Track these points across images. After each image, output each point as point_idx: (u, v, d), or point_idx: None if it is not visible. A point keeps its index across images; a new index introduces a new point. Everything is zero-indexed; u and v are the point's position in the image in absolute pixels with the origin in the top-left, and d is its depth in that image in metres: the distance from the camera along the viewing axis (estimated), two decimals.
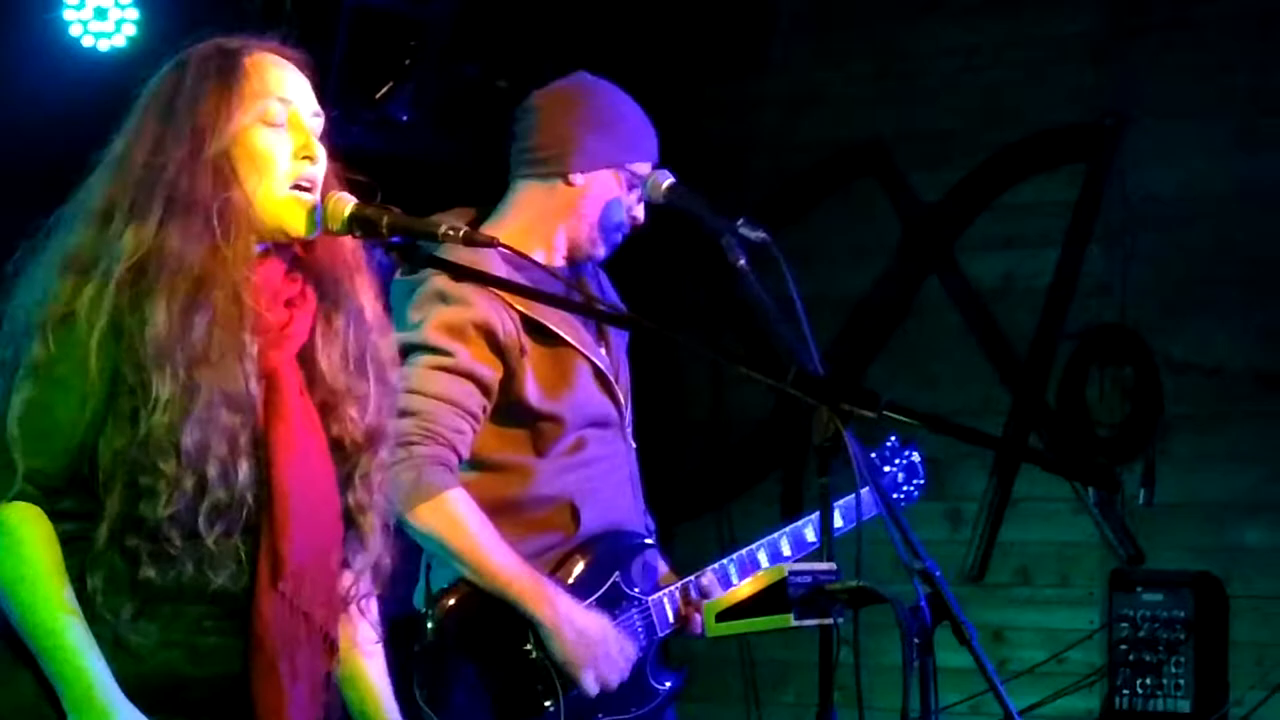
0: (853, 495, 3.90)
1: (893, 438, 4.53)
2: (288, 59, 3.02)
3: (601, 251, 4.09)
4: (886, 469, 4.50)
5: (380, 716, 3.12)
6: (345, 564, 3.03)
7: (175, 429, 2.80)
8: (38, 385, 2.82)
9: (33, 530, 2.80)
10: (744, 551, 4.14)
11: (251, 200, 2.92)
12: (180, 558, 2.82)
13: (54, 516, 2.83)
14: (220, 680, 2.90)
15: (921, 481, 4.55)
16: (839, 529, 3.97)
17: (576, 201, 4.04)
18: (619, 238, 4.09)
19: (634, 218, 4.08)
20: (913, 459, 4.56)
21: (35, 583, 2.79)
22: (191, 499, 2.81)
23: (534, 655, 3.87)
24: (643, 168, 4.07)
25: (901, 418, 2.89)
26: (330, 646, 3.00)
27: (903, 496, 4.50)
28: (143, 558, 2.81)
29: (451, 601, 3.88)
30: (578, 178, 4.03)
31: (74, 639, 2.78)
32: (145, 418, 2.80)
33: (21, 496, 2.81)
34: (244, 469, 2.85)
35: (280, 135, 2.96)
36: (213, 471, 2.82)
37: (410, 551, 3.72)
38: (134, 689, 2.81)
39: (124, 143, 2.94)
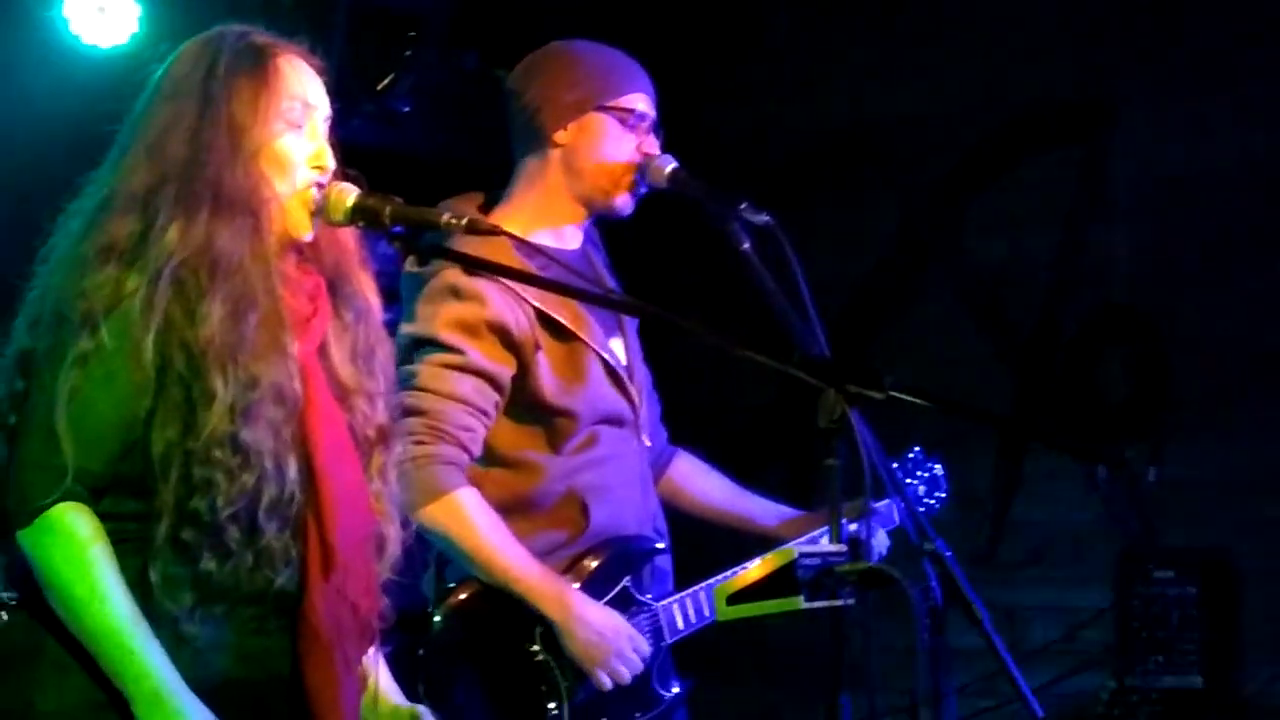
0: (885, 502, 3.91)
1: (916, 449, 4.46)
2: (312, 66, 3.04)
3: (621, 201, 4.00)
4: (909, 481, 4.42)
5: (382, 697, 3.13)
6: (378, 554, 3.04)
7: (235, 425, 2.81)
8: (87, 379, 2.81)
9: (86, 530, 2.80)
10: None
11: (278, 198, 2.93)
12: (239, 552, 2.83)
13: (106, 516, 2.82)
14: (266, 684, 2.92)
15: (944, 495, 4.48)
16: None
17: (570, 159, 3.98)
18: (637, 183, 3.99)
19: (645, 154, 3.98)
20: (935, 471, 4.49)
21: (93, 584, 2.79)
22: (251, 496, 2.82)
23: (540, 657, 3.85)
24: (630, 100, 3.99)
25: (909, 398, 2.88)
26: (370, 635, 3.02)
27: (923, 509, 4.41)
28: (201, 551, 2.82)
29: (460, 599, 3.87)
30: (560, 135, 3.97)
31: (137, 638, 2.78)
32: (202, 413, 2.81)
33: (70, 496, 2.80)
34: (293, 464, 2.86)
35: (300, 139, 2.97)
36: (268, 466, 2.83)
37: (420, 540, 3.72)
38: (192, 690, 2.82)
39: (156, 127, 2.93)
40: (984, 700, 5.83)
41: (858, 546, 2.84)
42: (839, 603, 2.83)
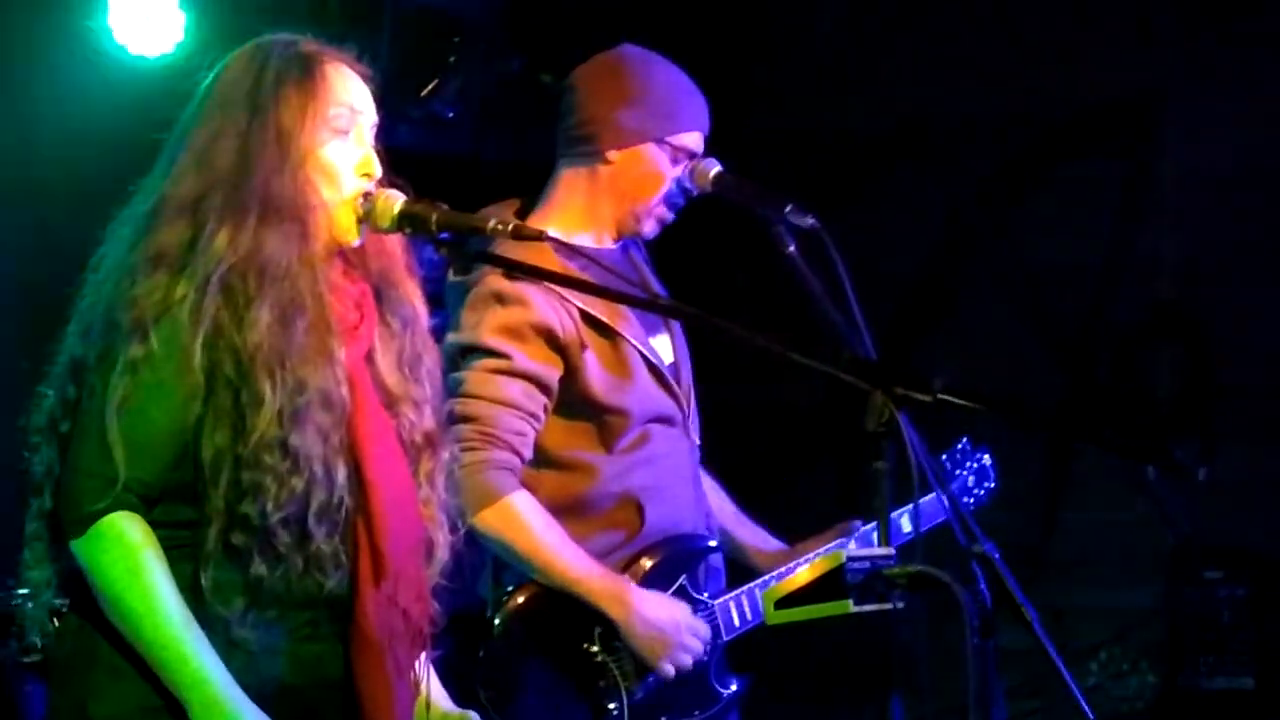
0: (931, 496, 3.89)
1: (964, 440, 4.45)
2: (358, 73, 3.05)
3: (649, 229, 4.03)
4: (958, 472, 4.42)
5: (433, 704, 3.13)
6: (428, 559, 3.06)
7: (283, 430, 2.82)
8: (138, 387, 2.82)
9: (138, 538, 2.81)
10: (809, 556, 4.09)
11: (325, 205, 2.94)
12: (289, 556, 2.84)
13: (158, 524, 2.83)
14: (319, 688, 2.92)
15: (992, 485, 4.47)
16: (907, 534, 3.94)
17: (616, 180, 3.99)
18: (669, 214, 4.02)
19: (686, 190, 4.01)
20: (983, 461, 4.48)
21: (147, 593, 2.80)
22: (300, 500, 2.83)
23: (599, 657, 3.87)
24: (687, 139, 4.00)
25: (957, 400, 2.87)
26: (421, 641, 3.03)
27: (972, 500, 4.41)
28: (252, 556, 2.83)
29: (518, 602, 3.88)
30: (613, 154, 3.98)
31: (192, 645, 2.79)
32: (251, 418, 2.82)
33: (122, 505, 2.81)
34: (341, 469, 2.87)
35: (346, 146, 2.98)
36: (317, 471, 2.84)
37: (471, 543, 3.72)
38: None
39: (205, 135, 2.94)
40: (1034, 701, 5.82)
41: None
42: (888, 606, 2.83)
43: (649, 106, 3.99)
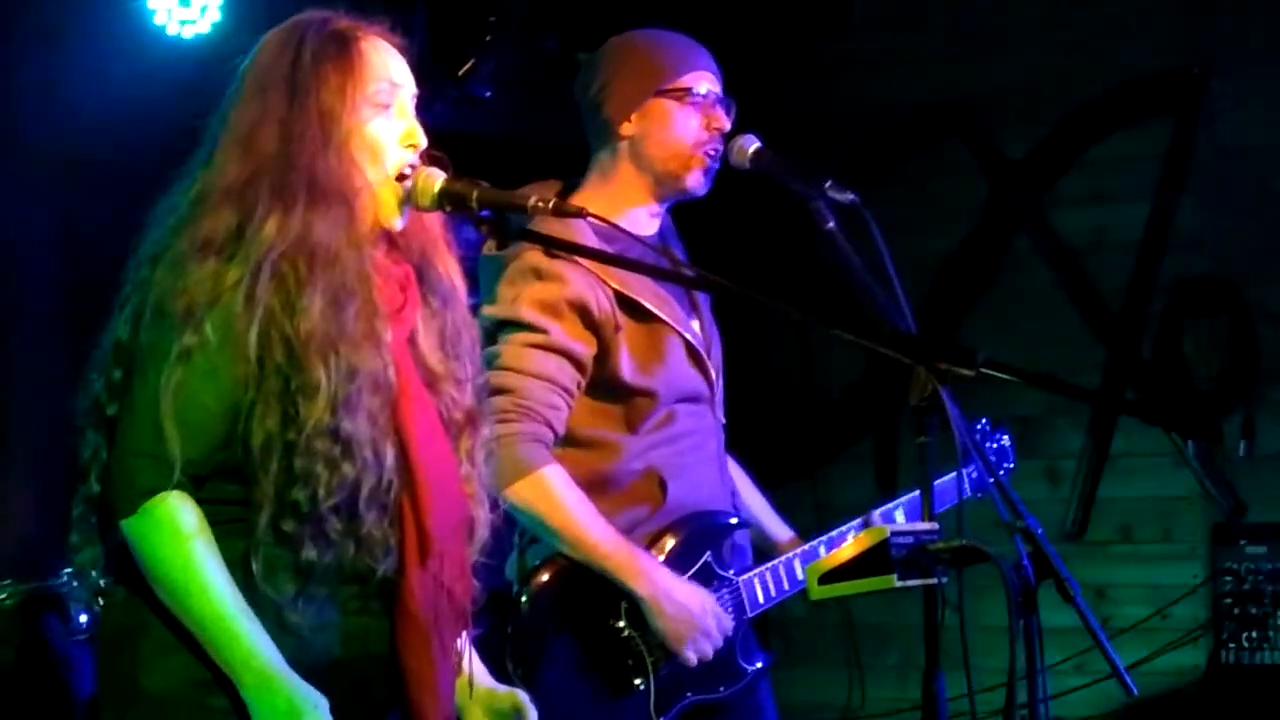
0: (949, 476, 3.88)
1: (984, 421, 4.44)
2: (394, 45, 3.04)
3: (693, 183, 4.00)
4: None
5: (475, 682, 3.14)
6: (469, 537, 3.06)
7: (336, 417, 2.82)
8: (192, 373, 2.82)
9: (189, 519, 2.81)
10: (834, 534, 4.10)
11: (370, 185, 2.94)
12: (340, 541, 2.85)
13: (207, 503, 2.84)
14: (366, 662, 2.93)
15: (1011, 465, 4.47)
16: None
17: (638, 149, 3.99)
18: (709, 160, 3.99)
19: (716, 130, 3.99)
20: (1003, 442, 4.48)
21: (197, 572, 2.80)
22: (351, 485, 2.84)
23: (625, 633, 3.87)
24: (689, 80, 3.99)
25: (1000, 374, 2.86)
26: (464, 619, 3.04)
27: (992, 481, 4.39)
28: (303, 541, 2.83)
29: (545, 578, 3.88)
30: (626, 126, 3.99)
31: (242, 623, 2.80)
32: (304, 404, 2.82)
33: (174, 485, 2.81)
34: (389, 451, 2.88)
35: (388, 120, 2.98)
36: (368, 455, 2.85)
37: (508, 523, 3.72)
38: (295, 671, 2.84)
39: (247, 120, 2.94)
40: (1076, 678, 5.80)
41: None
42: (932, 581, 2.82)
43: (638, 67, 4.01)
